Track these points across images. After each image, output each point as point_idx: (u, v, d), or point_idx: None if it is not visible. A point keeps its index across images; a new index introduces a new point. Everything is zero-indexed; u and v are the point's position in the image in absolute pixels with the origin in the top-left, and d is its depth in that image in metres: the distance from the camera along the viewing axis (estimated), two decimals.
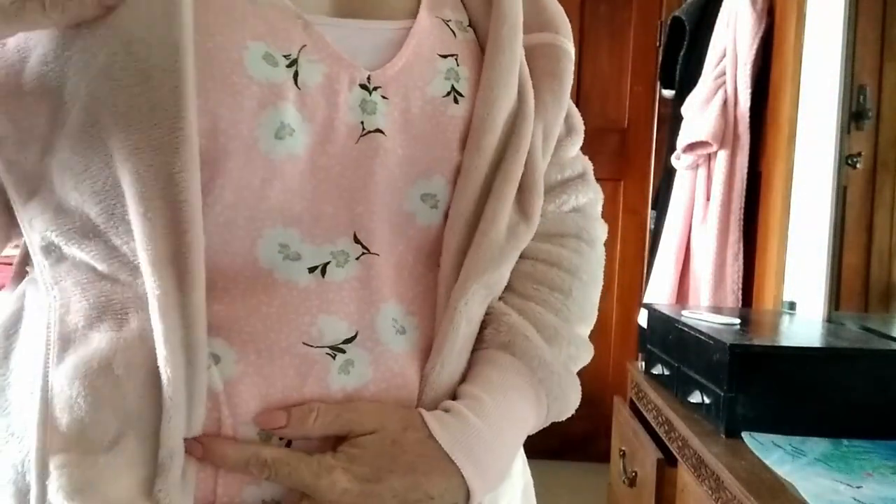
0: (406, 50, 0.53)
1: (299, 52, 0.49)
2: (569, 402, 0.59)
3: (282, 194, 0.48)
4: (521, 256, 0.60)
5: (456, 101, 0.54)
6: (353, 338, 0.50)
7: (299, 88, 0.48)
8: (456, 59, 0.55)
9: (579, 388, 0.60)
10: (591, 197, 0.70)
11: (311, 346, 0.49)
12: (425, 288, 0.54)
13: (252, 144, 0.47)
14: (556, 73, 0.60)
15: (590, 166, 0.72)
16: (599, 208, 0.72)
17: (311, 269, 0.49)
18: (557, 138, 0.62)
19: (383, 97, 0.51)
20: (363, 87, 0.51)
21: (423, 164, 0.53)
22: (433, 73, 0.54)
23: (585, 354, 0.63)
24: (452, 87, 0.54)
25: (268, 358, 0.48)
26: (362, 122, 0.51)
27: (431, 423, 0.51)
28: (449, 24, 0.56)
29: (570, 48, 0.62)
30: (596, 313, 0.68)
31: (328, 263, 0.50)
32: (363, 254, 0.51)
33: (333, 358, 0.49)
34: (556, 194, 0.65)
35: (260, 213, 0.48)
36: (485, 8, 0.58)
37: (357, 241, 0.51)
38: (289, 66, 0.48)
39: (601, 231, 0.70)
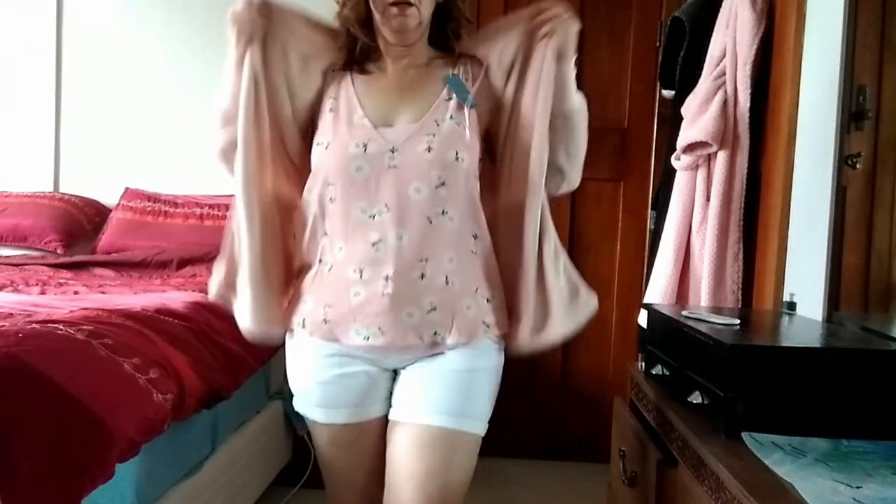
0: (413, 136, 1.31)
1: (368, 140, 1.30)
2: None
3: (361, 191, 1.29)
4: None
5: (429, 151, 1.30)
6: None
7: (366, 153, 1.29)
8: (434, 136, 1.31)
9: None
10: None
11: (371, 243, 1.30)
12: (423, 218, 1.29)
13: (352, 173, 1.29)
14: None
15: None
16: None
17: (371, 216, 1.29)
18: None
19: (398, 153, 1.29)
20: (391, 151, 1.29)
21: (413, 180, 1.29)
22: (422, 142, 1.30)
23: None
24: (429, 146, 1.30)
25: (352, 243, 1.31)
26: (390, 163, 1.29)
27: None
28: (437, 122, 1.33)
29: None
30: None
31: (374, 214, 1.29)
32: (387, 211, 1.29)
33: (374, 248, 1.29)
34: None
35: (353, 198, 1.30)
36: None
37: (386, 206, 1.29)
38: (364, 146, 1.29)
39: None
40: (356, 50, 1.36)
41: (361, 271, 1.28)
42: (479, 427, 1.33)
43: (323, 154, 1.32)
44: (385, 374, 1.36)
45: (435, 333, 1.29)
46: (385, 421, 1.36)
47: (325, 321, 1.31)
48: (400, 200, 1.27)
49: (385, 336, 1.27)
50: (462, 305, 1.30)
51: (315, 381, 1.35)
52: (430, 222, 1.28)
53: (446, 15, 1.37)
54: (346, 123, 1.31)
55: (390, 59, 1.37)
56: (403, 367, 1.36)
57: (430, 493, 1.27)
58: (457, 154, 1.29)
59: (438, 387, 1.31)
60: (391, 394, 1.37)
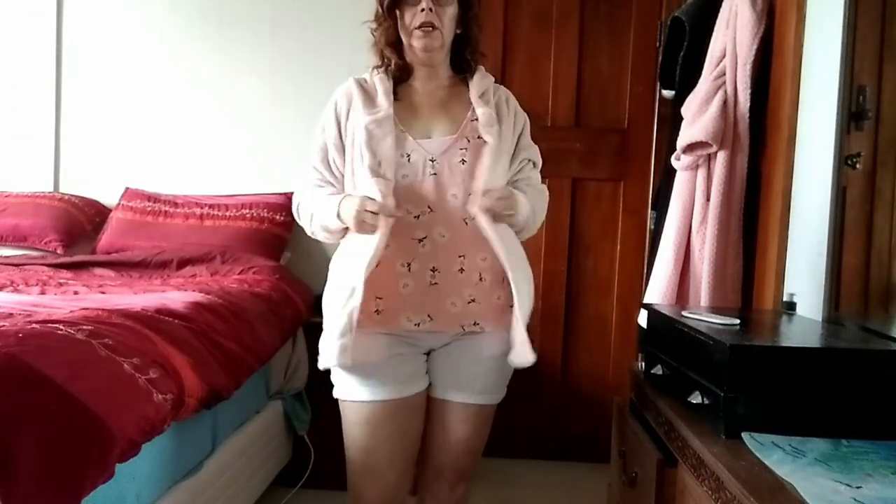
0: (449, 148, 1.54)
1: (411, 151, 1.53)
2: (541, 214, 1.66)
3: (407, 195, 1.50)
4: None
5: (463, 163, 1.52)
6: (430, 211, 1.52)
7: (410, 162, 1.52)
8: (466, 150, 1.53)
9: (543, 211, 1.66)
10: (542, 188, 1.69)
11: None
12: (460, 220, 1.53)
13: (398, 179, 1.50)
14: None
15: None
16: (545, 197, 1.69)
17: (416, 216, 1.51)
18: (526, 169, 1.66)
19: (437, 163, 1.52)
20: (430, 160, 1.52)
21: (451, 186, 1.52)
22: (457, 154, 1.53)
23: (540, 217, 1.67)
24: (463, 159, 1.52)
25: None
26: (430, 170, 1.52)
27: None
28: (467, 138, 1.54)
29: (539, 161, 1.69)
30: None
31: (419, 215, 1.52)
32: (430, 212, 1.52)
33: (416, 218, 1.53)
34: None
35: (400, 200, 1.48)
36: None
37: (429, 208, 1.51)
38: (408, 156, 1.53)
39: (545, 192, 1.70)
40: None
41: (409, 265, 1.51)
42: (502, 395, 1.64)
43: None
44: (421, 354, 1.57)
45: (475, 324, 1.54)
46: (421, 397, 1.58)
47: (378, 311, 1.51)
48: (440, 203, 1.51)
49: (434, 322, 1.52)
50: (494, 296, 1.55)
51: (365, 361, 1.50)
52: (466, 224, 1.51)
53: (464, 42, 1.61)
54: None
55: (419, 79, 1.61)
56: (436, 348, 1.58)
57: (473, 447, 1.63)
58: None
59: (477, 372, 1.57)
60: (425, 371, 1.59)
